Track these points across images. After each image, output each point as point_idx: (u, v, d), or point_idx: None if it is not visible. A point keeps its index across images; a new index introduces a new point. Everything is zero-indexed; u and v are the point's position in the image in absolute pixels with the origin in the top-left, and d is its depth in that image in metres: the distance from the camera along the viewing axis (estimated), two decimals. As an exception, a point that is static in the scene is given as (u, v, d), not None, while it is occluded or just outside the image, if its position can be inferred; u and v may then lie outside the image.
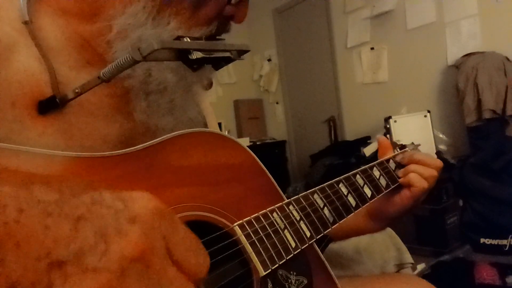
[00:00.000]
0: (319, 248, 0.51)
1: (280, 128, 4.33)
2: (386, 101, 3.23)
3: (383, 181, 0.63)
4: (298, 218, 0.47)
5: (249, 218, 0.42)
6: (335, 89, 3.69)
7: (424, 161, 0.66)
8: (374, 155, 1.98)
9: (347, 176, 0.58)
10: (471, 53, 2.60)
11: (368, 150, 2.75)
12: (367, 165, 0.63)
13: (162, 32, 0.42)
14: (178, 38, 0.41)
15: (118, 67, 0.36)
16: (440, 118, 2.88)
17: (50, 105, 0.38)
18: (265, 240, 0.42)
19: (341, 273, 0.83)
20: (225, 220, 0.41)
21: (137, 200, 0.25)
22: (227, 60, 0.44)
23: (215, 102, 4.02)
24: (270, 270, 0.41)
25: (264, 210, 0.44)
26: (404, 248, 0.94)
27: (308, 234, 0.47)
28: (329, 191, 0.53)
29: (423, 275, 1.94)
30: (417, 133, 2.56)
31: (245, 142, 2.62)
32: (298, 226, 0.47)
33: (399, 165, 0.68)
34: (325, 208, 0.51)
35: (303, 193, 0.50)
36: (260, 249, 0.41)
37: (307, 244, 0.46)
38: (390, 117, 2.61)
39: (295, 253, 0.44)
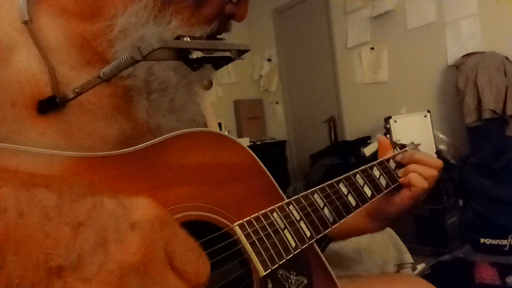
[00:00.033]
0: (319, 248, 0.51)
1: (280, 128, 4.33)
2: (386, 101, 3.23)
3: (383, 181, 0.63)
4: (298, 218, 0.47)
5: (249, 218, 0.42)
6: (335, 89, 3.69)
7: (424, 161, 0.66)
8: (374, 155, 1.98)
9: (347, 175, 0.58)
10: (471, 53, 2.60)
11: (368, 150, 2.75)
12: (367, 165, 0.63)
13: (164, 31, 0.42)
14: (178, 37, 0.41)
15: (118, 67, 0.36)
16: (440, 118, 2.88)
17: (50, 105, 0.38)
18: (265, 240, 0.42)
19: (341, 273, 0.83)
20: (225, 220, 0.41)
21: (138, 206, 0.25)
22: (227, 60, 0.44)
23: (215, 102, 4.02)
24: (270, 270, 0.41)
25: (264, 210, 0.44)
26: (404, 248, 0.94)
27: (308, 234, 0.47)
28: (329, 191, 0.53)
29: (423, 275, 1.94)
30: (417, 133, 2.56)
31: (245, 142, 2.61)
32: (298, 226, 0.46)
33: (399, 165, 0.68)
34: (325, 208, 0.51)
35: (303, 193, 0.50)
36: (260, 249, 0.41)
37: (307, 244, 0.46)
38: (390, 117, 2.61)
39: (295, 253, 0.44)
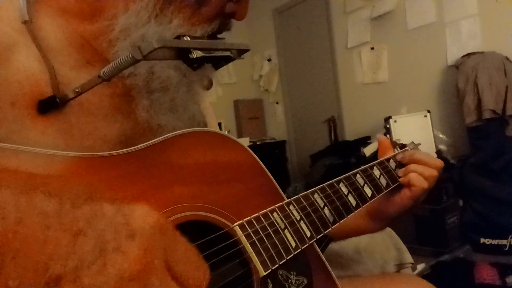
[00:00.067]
0: (319, 248, 0.50)
1: (280, 128, 4.32)
2: (386, 101, 3.23)
3: (383, 181, 0.63)
4: (298, 218, 0.47)
5: (249, 218, 0.42)
6: (335, 89, 3.69)
7: (424, 160, 0.66)
8: (374, 155, 1.98)
9: (348, 175, 0.58)
10: (471, 53, 2.60)
11: (368, 150, 2.75)
12: (368, 165, 0.63)
13: (165, 30, 0.41)
14: (178, 37, 0.41)
15: (118, 66, 0.36)
16: (440, 118, 2.88)
17: (50, 105, 0.38)
18: (265, 240, 0.42)
19: (341, 273, 0.83)
20: (225, 220, 0.41)
21: (138, 215, 0.25)
22: (227, 59, 0.44)
23: (215, 102, 4.02)
24: (270, 270, 0.41)
25: (265, 210, 0.44)
26: (404, 248, 0.94)
27: (309, 234, 0.47)
28: (329, 191, 0.53)
29: (423, 275, 1.94)
30: (417, 133, 2.56)
31: (245, 142, 2.61)
32: (299, 226, 0.46)
33: (399, 165, 0.68)
34: (326, 207, 0.51)
35: (304, 193, 0.50)
36: (260, 249, 0.41)
37: (307, 244, 0.46)
38: (390, 117, 2.61)
39: (295, 253, 0.44)
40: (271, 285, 0.41)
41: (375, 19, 3.25)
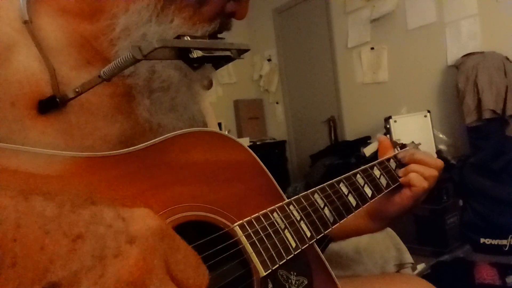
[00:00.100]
0: (319, 248, 0.50)
1: (280, 128, 4.32)
2: (386, 101, 3.23)
3: (383, 181, 0.63)
4: (298, 218, 0.47)
5: (249, 218, 0.42)
6: (335, 89, 3.69)
7: (424, 160, 0.66)
8: (374, 155, 1.98)
9: (348, 175, 0.58)
10: (471, 53, 2.60)
11: (368, 150, 2.75)
12: (368, 165, 0.63)
13: (166, 29, 0.41)
14: (179, 36, 0.41)
15: (118, 66, 0.36)
16: (440, 118, 2.88)
17: (50, 105, 0.38)
18: (266, 240, 0.42)
19: (341, 273, 0.83)
20: (225, 220, 0.41)
21: (138, 219, 0.25)
22: (227, 59, 0.44)
23: (215, 102, 4.02)
24: (270, 270, 0.41)
25: (265, 210, 0.44)
26: (404, 248, 0.93)
27: (309, 234, 0.47)
28: (329, 191, 0.53)
29: (423, 275, 1.94)
30: (417, 133, 2.56)
31: (245, 142, 2.61)
32: (299, 226, 0.46)
33: (400, 165, 0.68)
34: (326, 208, 0.51)
35: (304, 193, 0.50)
36: (261, 249, 0.41)
37: (308, 244, 0.46)
38: (390, 117, 2.61)
39: (295, 253, 0.44)
40: (271, 285, 0.41)
41: (375, 19, 3.25)
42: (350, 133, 3.56)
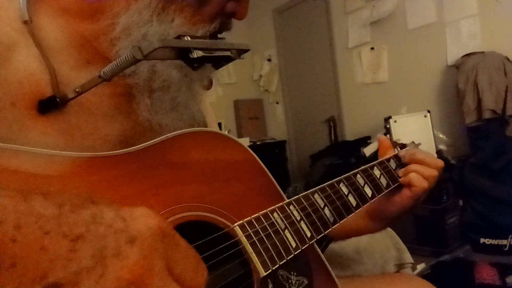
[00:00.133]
0: (319, 248, 0.50)
1: (280, 128, 4.32)
2: (386, 101, 3.23)
3: (383, 181, 0.63)
4: (298, 218, 0.47)
5: (249, 218, 0.42)
6: (335, 89, 3.69)
7: (425, 160, 0.66)
8: (374, 155, 1.98)
9: (348, 175, 0.58)
10: (471, 53, 2.60)
11: (368, 150, 2.75)
12: (368, 165, 0.63)
13: (167, 29, 0.41)
14: (179, 36, 0.41)
15: (119, 66, 0.36)
16: (440, 118, 2.88)
17: (50, 105, 0.38)
18: (266, 240, 0.42)
19: (341, 273, 0.83)
20: (225, 220, 0.41)
21: (138, 219, 0.25)
22: (227, 59, 0.44)
23: (215, 102, 4.02)
24: (270, 270, 0.41)
25: (265, 210, 0.44)
26: (404, 248, 0.93)
27: (309, 234, 0.47)
28: (329, 191, 0.53)
29: (423, 275, 1.94)
30: (417, 133, 2.56)
31: (245, 142, 2.61)
32: (299, 226, 0.46)
33: (400, 165, 0.68)
34: (326, 208, 0.51)
35: (304, 193, 0.50)
36: (261, 249, 0.41)
37: (308, 244, 0.46)
38: (390, 117, 2.61)
39: (295, 253, 0.44)
40: (271, 286, 0.41)
41: (375, 19, 3.25)
42: (350, 133, 3.56)
